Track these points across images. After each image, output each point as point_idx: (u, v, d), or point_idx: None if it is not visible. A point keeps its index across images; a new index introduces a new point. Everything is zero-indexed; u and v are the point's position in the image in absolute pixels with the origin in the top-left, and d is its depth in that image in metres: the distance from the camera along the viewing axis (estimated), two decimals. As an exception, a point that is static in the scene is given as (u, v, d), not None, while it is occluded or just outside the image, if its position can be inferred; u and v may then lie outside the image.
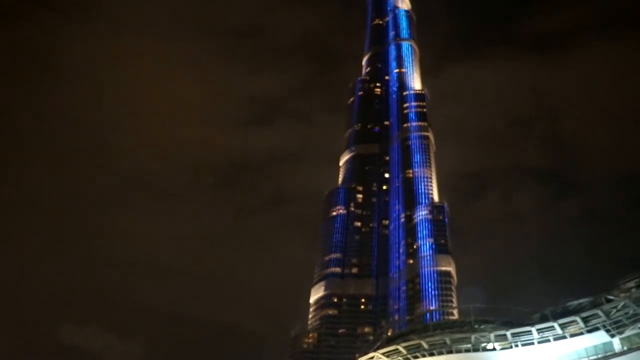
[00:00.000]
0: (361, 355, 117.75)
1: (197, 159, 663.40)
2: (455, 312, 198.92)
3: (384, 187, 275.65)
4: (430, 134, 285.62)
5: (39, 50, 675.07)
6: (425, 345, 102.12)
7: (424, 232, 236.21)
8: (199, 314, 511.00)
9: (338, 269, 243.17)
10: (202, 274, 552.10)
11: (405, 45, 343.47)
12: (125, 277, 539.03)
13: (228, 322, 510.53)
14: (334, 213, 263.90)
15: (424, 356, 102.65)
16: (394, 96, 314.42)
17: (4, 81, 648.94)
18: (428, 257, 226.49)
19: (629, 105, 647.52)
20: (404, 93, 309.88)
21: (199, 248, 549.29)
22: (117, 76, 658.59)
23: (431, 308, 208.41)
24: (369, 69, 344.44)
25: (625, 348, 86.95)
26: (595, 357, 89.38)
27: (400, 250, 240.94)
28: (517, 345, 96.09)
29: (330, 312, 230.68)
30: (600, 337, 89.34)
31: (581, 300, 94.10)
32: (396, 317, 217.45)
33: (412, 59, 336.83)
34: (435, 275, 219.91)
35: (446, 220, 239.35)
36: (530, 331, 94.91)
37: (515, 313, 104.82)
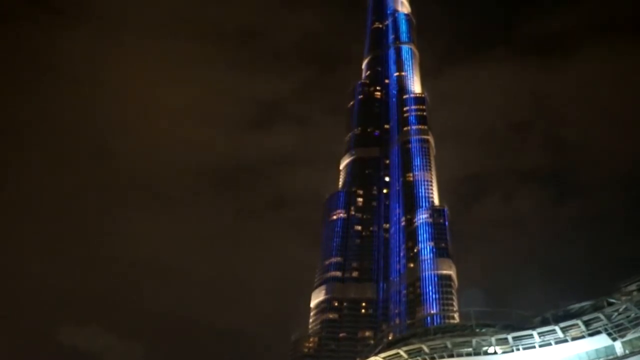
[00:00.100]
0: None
1: (197, 161, 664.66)
2: (456, 315, 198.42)
3: (385, 191, 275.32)
4: (430, 138, 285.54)
5: (39, 51, 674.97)
6: (426, 349, 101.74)
7: (425, 235, 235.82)
8: (199, 316, 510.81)
9: (338, 273, 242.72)
10: (202, 276, 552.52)
11: (405, 48, 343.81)
12: (125, 278, 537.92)
13: (228, 325, 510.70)
14: (335, 217, 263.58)
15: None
16: (394, 99, 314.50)
17: (4, 82, 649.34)
18: (429, 261, 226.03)
19: (629, 107, 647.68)
20: (404, 96, 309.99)
21: (199, 250, 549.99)
22: (116, 77, 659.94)
23: (432, 312, 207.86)
24: (368, 72, 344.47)
25: (627, 351, 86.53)
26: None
27: (401, 254, 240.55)
28: (518, 349, 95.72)
29: (330, 316, 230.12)
30: (602, 341, 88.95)
31: (582, 304, 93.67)
32: (397, 321, 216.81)
33: (412, 63, 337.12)
34: (436, 278, 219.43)
35: (446, 223, 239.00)
36: (532, 335, 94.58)
37: (516, 316, 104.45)
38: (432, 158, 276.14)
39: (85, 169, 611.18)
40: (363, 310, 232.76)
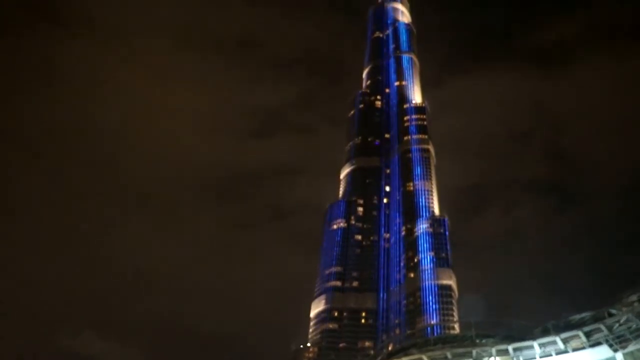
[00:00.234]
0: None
1: (198, 171, 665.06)
2: (456, 326, 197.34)
3: (385, 200, 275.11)
4: (430, 147, 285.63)
5: (40, 60, 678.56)
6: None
7: (425, 245, 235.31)
8: (198, 325, 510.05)
9: (339, 283, 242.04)
10: (202, 284, 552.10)
11: (405, 58, 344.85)
12: (124, 284, 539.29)
13: (227, 334, 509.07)
14: (335, 226, 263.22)
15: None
16: (394, 109, 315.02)
17: (5, 90, 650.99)
18: (429, 271, 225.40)
19: (629, 116, 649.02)
20: (405, 106, 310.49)
21: (199, 258, 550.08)
22: (117, 87, 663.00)
23: (432, 322, 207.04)
24: (369, 81, 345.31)
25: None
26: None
27: (401, 264, 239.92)
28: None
29: (330, 326, 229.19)
30: (603, 352, 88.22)
31: (583, 314, 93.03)
32: (397, 331, 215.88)
33: (412, 72, 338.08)
34: (436, 289, 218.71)
35: (447, 233, 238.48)
36: (532, 345, 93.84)
37: (516, 327, 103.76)
38: (432, 167, 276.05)
39: (85, 177, 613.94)
40: (363, 320, 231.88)
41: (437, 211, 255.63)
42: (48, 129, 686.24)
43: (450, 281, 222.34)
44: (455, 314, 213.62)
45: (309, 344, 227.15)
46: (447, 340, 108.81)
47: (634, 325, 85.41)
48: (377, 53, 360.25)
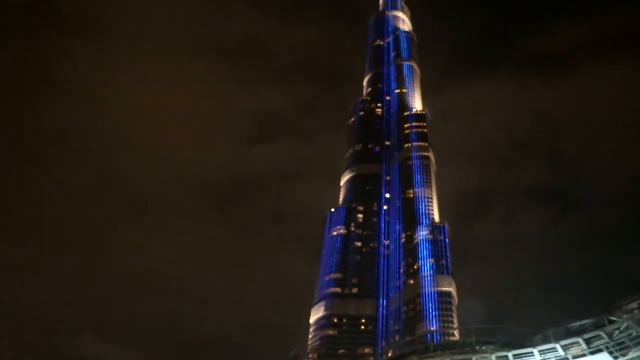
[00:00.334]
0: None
1: (198, 173, 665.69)
2: (456, 332, 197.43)
3: (385, 207, 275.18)
4: (430, 154, 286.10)
5: (40, 65, 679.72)
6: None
7: (425, 252, 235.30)
8: (197, 330, 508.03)
9: (338, 289, 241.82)
10: (201, 289, 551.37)
11: (406, 65, 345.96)
12: (125, 287, 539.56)
13: (227, 337, 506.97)
14: (335, 233, 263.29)
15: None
16: (394, 116, 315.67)
17: (5, 95, 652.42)
18: (429, 278, 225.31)
19: (630, 124, 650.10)
20: (405, 113, 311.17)
21: (199, 263, 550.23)
22: (117, 91, 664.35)
23: (432, 329, 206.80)
24: (369, 89, 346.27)
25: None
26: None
27: (401, 271, 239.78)
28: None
29: (330, 332, 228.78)
30: (603, 359, 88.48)
31: (583, 321, 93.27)
32: (396, 338, 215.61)
33: (412, 80, 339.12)
34: (435, 295, 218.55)
35: (447, 240, 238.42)
36: (532, 352, 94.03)
37: (516, 334, 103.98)
38: (432, 175, 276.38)
39: (85, 177, 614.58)
40: (362, 327, 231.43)
41: (437, 218, 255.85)
42: (48, 130, 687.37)
43: (450, 288, 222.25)
44: (455, 320, 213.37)
45: (308, 350, 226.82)
46: (447, 347, 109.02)
47: (634, 333, 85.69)
48: (377, 60, 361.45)
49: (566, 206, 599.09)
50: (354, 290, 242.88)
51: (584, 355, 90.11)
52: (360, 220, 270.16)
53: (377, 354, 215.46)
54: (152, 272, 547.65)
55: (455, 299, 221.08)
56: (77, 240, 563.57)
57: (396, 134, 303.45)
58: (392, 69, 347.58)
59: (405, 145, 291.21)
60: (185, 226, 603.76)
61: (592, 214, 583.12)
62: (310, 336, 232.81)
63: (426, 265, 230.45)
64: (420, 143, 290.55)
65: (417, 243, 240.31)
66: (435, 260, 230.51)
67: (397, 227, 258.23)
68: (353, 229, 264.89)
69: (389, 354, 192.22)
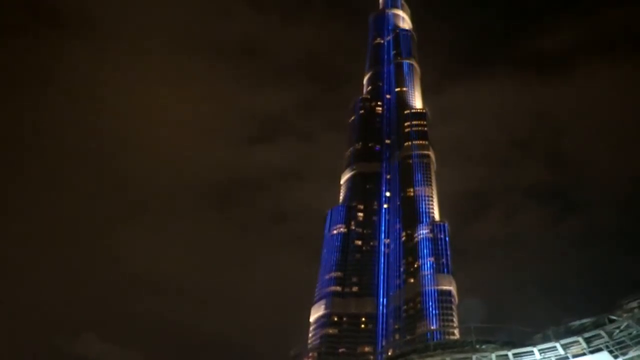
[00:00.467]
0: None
1: (198, 176, 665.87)
2: (456, 331, 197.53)
3: (385, 206, 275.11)
4: (431, 153, 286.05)
5: (40, 65, 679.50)
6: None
7: (425, 251, 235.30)
8: (198, 330, 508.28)
9: (338, 288, 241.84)
10: (201, 289, 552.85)
11: (406, 64, 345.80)
12: (124, 288, 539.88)
13: (226, 338, 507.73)
14: (335, 231, 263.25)
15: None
16: (394, 115, 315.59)
17: (5, 95, 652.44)
18: (429, 276, 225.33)
19: (630, 124, 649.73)
20: (405, 112, 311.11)
21: (199, 263, 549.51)
22: (118, 91, 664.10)
23: (432, 327, 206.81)
24: (370, 87, 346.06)
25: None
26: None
27: (401, 269, 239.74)
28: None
29: (330, 331, 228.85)
30: (603, 358, 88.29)
31: (583, 320, 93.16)
32: (397, 337, 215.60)
33: (412, 78, 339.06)
34: (436, 294, 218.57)
35: (447, 239, 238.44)
36: (532, 351, 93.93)
37: (516, 333, 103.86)
38: (432, 173, 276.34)
39: (85, 178, 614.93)
40: (363, 326, 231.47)
41: (437, 217, 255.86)
42: (48, 130, 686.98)
43: (450, 287, 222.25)
44: (455, 319, 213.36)
45: (308, 349, 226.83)
46: (447, 346, 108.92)
47: (635, 332, 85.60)
48: (377, 59, 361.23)
49: (566, 206, 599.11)
50: (354, 289, 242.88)
51: (584, 354, 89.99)
52: (361, 218, 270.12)
53: (377, 352, 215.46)
54: (152, 272, 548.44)
55: (456, 298, 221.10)
56: (77, 240, 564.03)
57: (396, 133, 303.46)
58: (392, 67, 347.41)
59: (406, 143, 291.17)
60: (185, 226, 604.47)
61: (592, 213, 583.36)
62: (310, 335, 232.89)
63: (426, 264, 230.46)
64: (421, 141, 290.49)
65: (418, 242, 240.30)
66: (435, 259, 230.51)
67: (398, 225, 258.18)
68: (353, 227, 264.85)
69: (389, 353, 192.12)
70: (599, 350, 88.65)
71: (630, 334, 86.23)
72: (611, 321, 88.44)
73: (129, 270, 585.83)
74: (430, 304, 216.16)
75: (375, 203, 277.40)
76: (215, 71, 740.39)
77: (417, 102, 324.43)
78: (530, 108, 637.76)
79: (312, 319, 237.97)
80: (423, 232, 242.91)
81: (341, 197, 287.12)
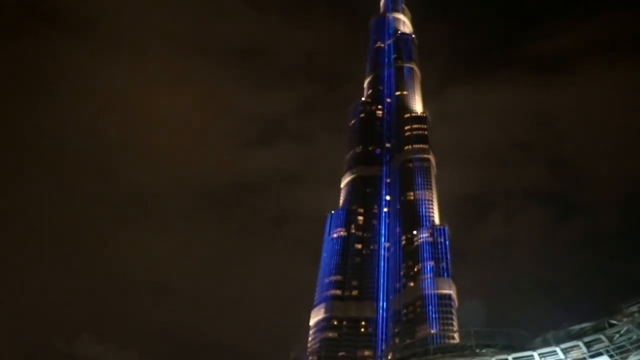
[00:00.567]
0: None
1: (198, 178, 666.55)
2: (456, 335, 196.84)
3: (385, 209, 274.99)
4: (431, 157, 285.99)
5: (40, 67, 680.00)
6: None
7: (425, 254, 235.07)
8: (197, 332, 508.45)
9: (338, 291, 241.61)
10: (201, 292, 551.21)
11: (406, 68, 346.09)
12: (124, 290, 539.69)
13: (226, 341, 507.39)
14: (335, 235, 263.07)
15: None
16: (395, 118, 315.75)
17: (5, 98, 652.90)
18: (429, 280, 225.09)
19: (631, 125, 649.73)
20: (405, 115, 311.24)
21: (200, 267, 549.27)
22: (118, 91, 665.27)
23: (432, 331, 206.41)
24: (370, 91, 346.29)
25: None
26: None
27: (401, 273, 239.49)
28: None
29: (330, 334, 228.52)
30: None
31: (583, 325, 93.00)
32: (396, 341, 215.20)
33: (413, 82, 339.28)
34: (436, 298, 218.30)
35: (447, 242, 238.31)
36: (532, 356, 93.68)
37: (516, 337, 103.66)
38: (432, 177, 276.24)
39: (85, 180, 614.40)
40: (362, 329, 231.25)
41: (437, 220, 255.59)
42: (48, 130, 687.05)
43: (450, 290, 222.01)
44: (455, 323, 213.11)
45: (308, 353, 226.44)
46: (447, 350, 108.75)
47: (635, 336, 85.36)
48: (378, 63, 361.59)
49: (566, 208, 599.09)
50: (354, 292, 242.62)
51: (584, 358, 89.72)
52: (361, 222, 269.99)
53: (377, 356, 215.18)
54: (152, 273, 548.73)
55: (456, 302, 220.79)
56: (77, 240, 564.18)
57: (396, 136, 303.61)
58: (393, 71, 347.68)
59: (406, 147, 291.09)
60: (185, 227, 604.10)
61: (593, 215, 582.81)
62: (310, 338, 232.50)
63: (426, 267, 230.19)
64: (421, 145, 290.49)
65: (418, 245, 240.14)
66: (435, 263, 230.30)
67: (398, 229, 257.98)
68: (353, 231, 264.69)
69: (389, 357, 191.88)
70: (599, 354, 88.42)
71: (630, 338, 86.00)
72: (611, 325, 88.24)
73: (128, 271, 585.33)
74: (430, 307, 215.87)
75: (376, 207, 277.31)
76: (216, 72, 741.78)
77: (417, 106, 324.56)
78: (531, 110, 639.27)
79: (311, 322, 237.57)
80: (423, 235, 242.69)
81: (341, 201, 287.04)
